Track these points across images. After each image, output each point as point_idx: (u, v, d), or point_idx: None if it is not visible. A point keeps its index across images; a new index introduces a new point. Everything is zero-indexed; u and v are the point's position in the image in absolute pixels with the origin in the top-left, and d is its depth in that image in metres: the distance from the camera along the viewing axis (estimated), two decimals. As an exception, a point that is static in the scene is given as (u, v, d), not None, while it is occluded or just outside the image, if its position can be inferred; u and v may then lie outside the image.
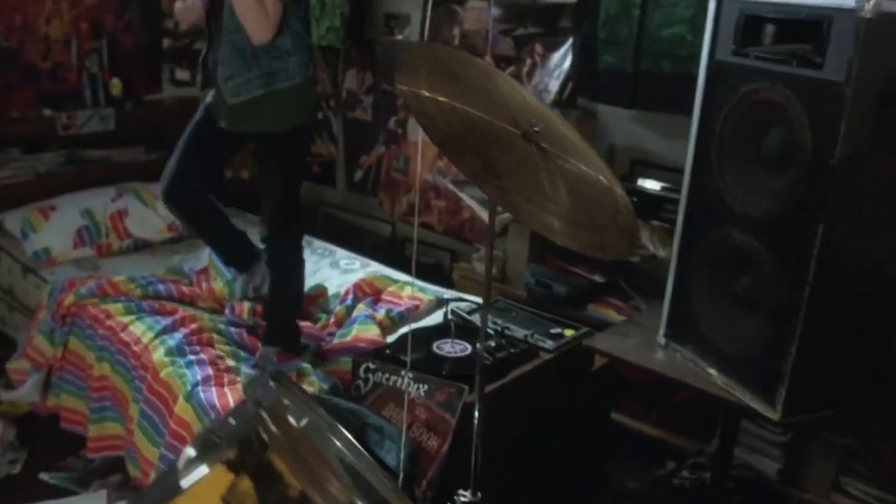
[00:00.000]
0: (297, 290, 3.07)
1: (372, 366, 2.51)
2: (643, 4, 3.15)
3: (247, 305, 3.19)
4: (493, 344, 2.63)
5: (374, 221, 4.38)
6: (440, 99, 1.64)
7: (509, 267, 3.55)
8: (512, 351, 2.64)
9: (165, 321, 3.03)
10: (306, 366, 2.80)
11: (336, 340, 3.03)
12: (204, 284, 3.41)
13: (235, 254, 3.24)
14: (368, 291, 3.43)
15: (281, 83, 2.72)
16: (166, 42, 4.41)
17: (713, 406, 2.67)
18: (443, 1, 3.80)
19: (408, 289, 3.38)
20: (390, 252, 4.30)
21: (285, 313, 3.00)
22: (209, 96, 2.91)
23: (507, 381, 2.54)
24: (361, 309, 3.21)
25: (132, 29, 4.20)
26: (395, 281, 3.47)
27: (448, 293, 3.43)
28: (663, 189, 3.27)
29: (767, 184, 2.27)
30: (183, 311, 3.13)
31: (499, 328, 2.80)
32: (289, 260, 2.98)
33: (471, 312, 3.00)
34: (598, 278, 3.30)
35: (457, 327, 2.73)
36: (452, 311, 2.99)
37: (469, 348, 2.62)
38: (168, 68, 4.42)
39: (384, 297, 3.40)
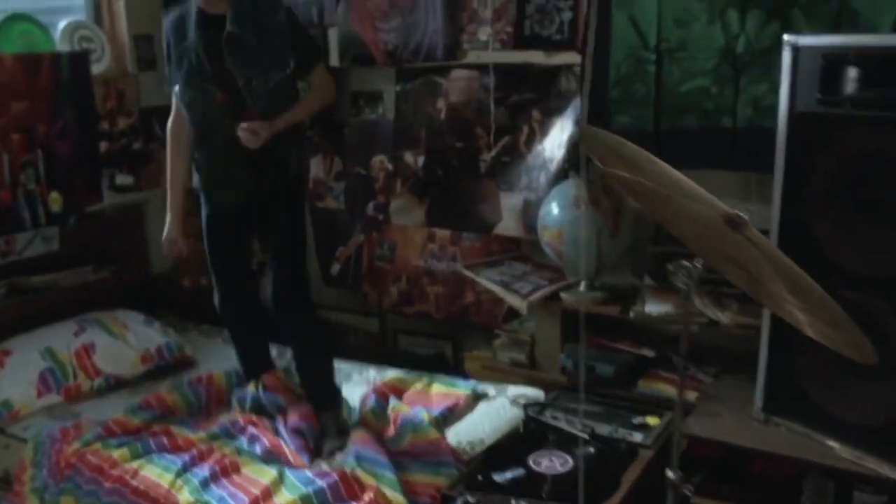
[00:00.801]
0: (330, 341, 3.13)
1: (472, 499, 2.16)
2: (658, 60, 3.00)
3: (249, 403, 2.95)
4: (592, 450, 2.34)
5: (357, 316, 4.02)
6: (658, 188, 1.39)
7: (539, 351, 3.27)
8: (612, 456, 2.35)
9: (183, 457, 2.62)
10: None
11: (392, 448, 2.66)
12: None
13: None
14: (390, 394, 3.07)
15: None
16: (103, 145, 3.95)
17: (794, 476, 2.47)
18: (421, 73, 3.55)
19: (436, 385, 3.04)
20: (380, 348, 3.94)
21: (329, 370, 2.97)
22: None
23: (625, 493, 2.24)
24: (401, 410, 2.84)
25: (67, 135, 3.73)
26: (418, 379, 3.11)
27: (479, 385, 3.12)
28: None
29: (885, 238, 2.11)
30: (197, 442, 2.72)
31: (588, 430, 2.50)
32: (313, 320, 2.97)
33: (541, 411, 2.69)
34: (646, 352, 3.07)
35: (538, 433, 2.43)
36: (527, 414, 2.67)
37: (569, 461, 2.31)
38: (107, 174, 3.96)
39: (410, 397, 3.06)
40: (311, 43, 2.90)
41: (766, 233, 2.94)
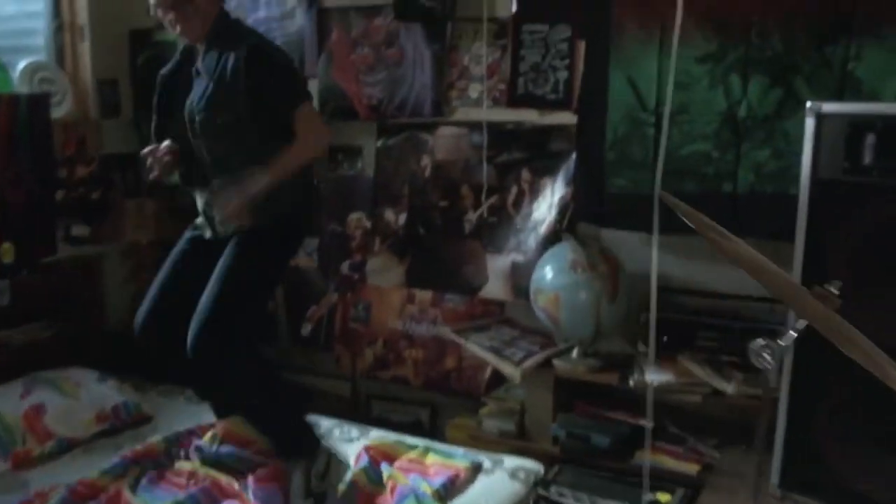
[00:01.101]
0: (281, 385, 2.81)
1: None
2: (657, 122, 2.95)
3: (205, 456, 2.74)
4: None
5: (328, 380, 3.81)
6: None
7: (530, 420, 3.12)
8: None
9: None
10: None
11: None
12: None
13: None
14: (381, 459, 2.87)
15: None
16: (59, 193, 3.72)
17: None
18: (405, 129, 3.44)
19: (432, 455, 2.86)
20: (352, 413, 3.73)
21: (285, 416, 2.75)
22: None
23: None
24: (398, 480, 2.64)
25: (22, 182, 3.48)
26: (412, 446, 2.92)
27: (477, 456, 2.94)
28: (693, 314, 3.01)
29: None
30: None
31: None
32: (235, 361, 2.60)
33: (546, 486, 2.54)
34: (645, 423, 2.94)
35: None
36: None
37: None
38: (63, 225, 3.71)
39: (404, 465, 2.85)
40: (290, 86, 2.54)
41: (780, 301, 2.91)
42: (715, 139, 2.88)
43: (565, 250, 3.00)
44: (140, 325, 2.72)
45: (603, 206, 3.08)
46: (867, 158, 2.14)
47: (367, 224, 3.61)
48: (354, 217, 3.65)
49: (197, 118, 2.52)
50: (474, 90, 3.26)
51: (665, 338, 3.01)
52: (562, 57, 3.09)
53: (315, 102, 3.51)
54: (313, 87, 3.55)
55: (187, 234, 2.78)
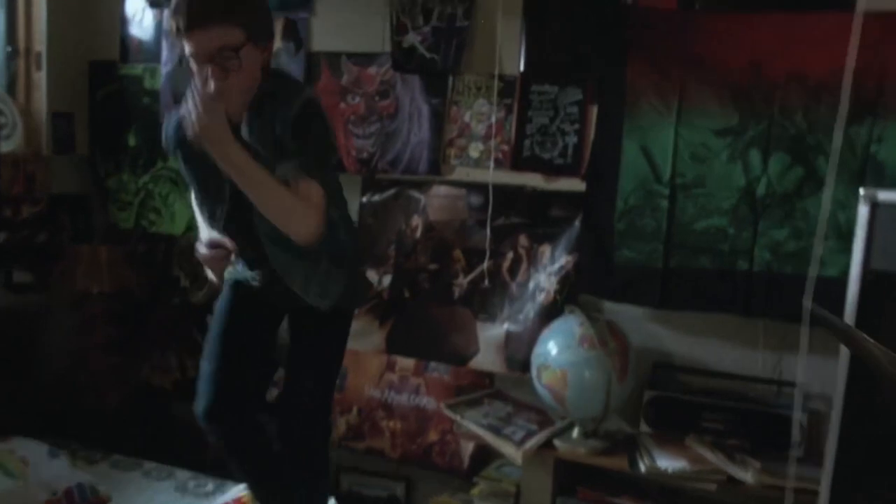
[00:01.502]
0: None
1: None
2: (672, 194, 2.83)
3: None
4: None
5: (292, 450, 3.52)
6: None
7: (526, 503, 2.92)
8: None
9: None
10: None
11: None
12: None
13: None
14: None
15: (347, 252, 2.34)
16: (1, 235, 3.36)
17: None
18: (392, 185, 3.24)
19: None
20: (318, 487, 3.45)
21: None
22: (245, 276, 2.37)
23: None
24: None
25: (-38, 223, 3.13)
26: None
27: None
28: (700, 395, 2.88)
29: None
30: None
31: None
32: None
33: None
34: (653, 511, 2.78)
35: None
36: None
37: None
38: (4, 270, 3.35)
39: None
40: (321, 149, 2.16)
41: (788, 383, 2.82)
42: (732, 215, 2.78)
43: (572, 324, 2.83)
44: (206, 411, 2.27)
45: (610, 278, 2.94)
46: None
47: (346, 284, 3.37)
48: (331, 275, 3.40)
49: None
50: (475, 149, 3.09)
51: (671, 417, 2.89)
52: (572, 121, 2.96)
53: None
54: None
55: (230, 292, 2.39)
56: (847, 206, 2.65)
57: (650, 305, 2.91)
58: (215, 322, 2.38)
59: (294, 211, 2.03)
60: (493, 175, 3.04)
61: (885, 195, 2.12)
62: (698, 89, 2.79)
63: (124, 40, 3.59)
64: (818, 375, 2.82)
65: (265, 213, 2.03)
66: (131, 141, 3.62)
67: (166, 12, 3.50)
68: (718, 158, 2.78)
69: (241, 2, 1.96)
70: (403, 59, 3.13)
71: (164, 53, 3.51)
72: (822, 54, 2.66)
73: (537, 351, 2.88)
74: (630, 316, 2.98)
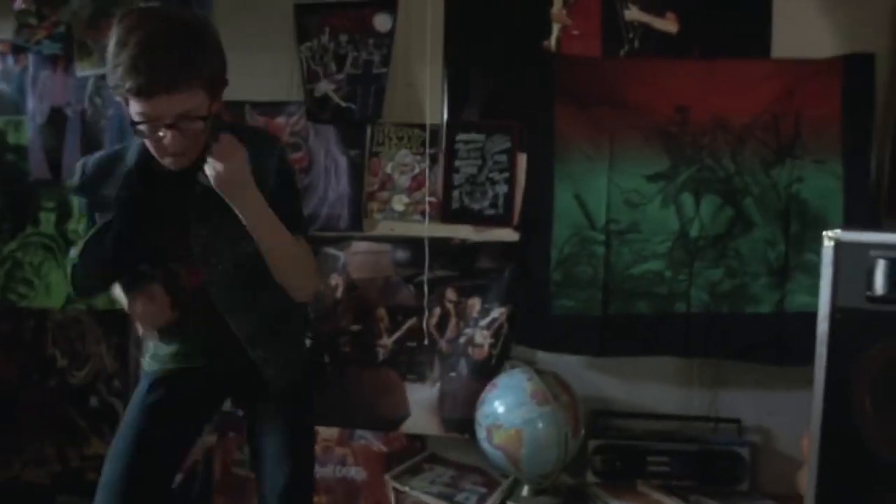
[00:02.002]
0: None
1: None
2: (607, 240, 2.82)
3: None
4: None
5: (200, 540, 3.17)
6: None
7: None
8: None
9: None
10: None
11: None
12: None
13: None
14: None
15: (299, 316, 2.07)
16: None
17: None
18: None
19: None
20: (231, 578, 3.12)
21: None
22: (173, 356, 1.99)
23: None
24: None
25: None
26: None
27: None
28: (643, 439, 2.86)
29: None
30: None
31: None
32: None
33: None
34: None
35: None
36: None
37: None
38: None
39: None
40: (300, 206, 2.03)
41: (726, 420, 2.85)
42: (668, 258, 2.80)
43: (520, 380, 2.73)
44: None
45: (548, 328, 2.87)
46: (888, 287, 2.13)
47: (257, 351, 3.10)
48: (239, 343, 3.12)
49: (213, 248, 1.84)
50: (399, 202, 2.94)
51: (618, 464, 2.85)
52: (501, 169, 2.88)
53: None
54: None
55: (150, 385, 1.99)
56: (775, 243, 2.75)
57: (590, 354, 2.87)
58: (130, 417, 1.96)
59: (306, 262, 1.89)
60: (425, 228, 2.90)
61: (848, 236, 2.18)
62: (628, 135, 2.81)
63: (-24, 90, 3.16)
64: (751, 409, 2.90)
65: (275, 264, 1.80)
66: (-9, 204, 3.18)
67: (32, 58, 3.12)
68: (652, 203, 2.80)
69: (207, 60, 1.68)
70: (317, 109, 2.94)
71: (31, 104, 3.11)
72: (743, 99, 2.75)
73: (484, 410, 2.75)
74: (564, 365, 2.93)
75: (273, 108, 2.99)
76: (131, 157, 1.82)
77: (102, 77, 3.05)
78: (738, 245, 2.77)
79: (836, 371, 2.21)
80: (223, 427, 3.12)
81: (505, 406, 2.70)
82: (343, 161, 2.95)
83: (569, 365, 2.92)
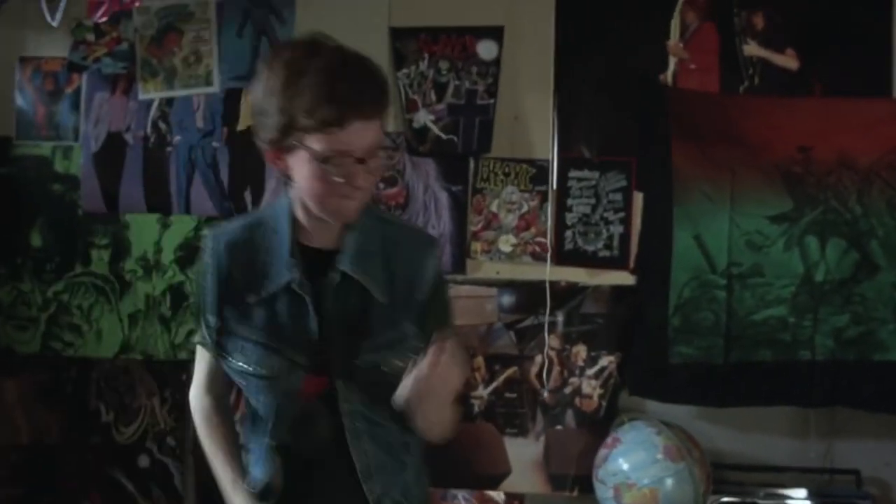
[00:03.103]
0: None
1: None
2: (728, 285, 2.68)
3: None
4: None
5: None
6: None
7: None
8: None
9: None
10: None
11: None
12: None
13: None
14: None
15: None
16: None
17: None
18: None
19: None
20: None
21: None
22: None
23: None
24: None
25: None
26: None
27: None
28: (759, 493, 2.71)
29: None
30: None
31: None
32: None
33: None
34: None
35: None
36: None
37: None
38: None
39: None
40: (450, 321, 1.64)
41: (842, 471, 2.73)
42: (791, 303, 2.67)
43: (648, 435, 2.55)
44: None
45: (665, 377, 2.70)
46: None
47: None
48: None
49: (359, 358, 1.49)
50: (506, 242, 2.73)
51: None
52: (616, 209, 2.71)
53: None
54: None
55: None
56: (902, 287, 2.67)
57: (712, 405, 2.71)
58: None
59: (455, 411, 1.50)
60: (539, 271, 2.70)
61: None
62: (749, 174, 2.69)
63: (21, 111, 2.80)
64: (868, 460, 2.79)
65: (434, 410, 1.41)
66: (35, 240, 2.80)
67: (87, 77, 2.80)
68: (775, 245, 2.68)
69: (388, 90, 1.43)
70: (415, 141, 2.72)
71: (85, 128, 2.78)
72: (867, 139, 2.67)
73: (608, 468, 2.55)
74: (671, 417, 2.76)
75: (365, 138, 2.74)
76: (281, 227, 1.48)
77: (168, 101, 2.80)
78: (863, 290, 2.67)
79: None
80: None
81: (633, 463, 2.52)
82: (444, 197, 2.73)
83: (676, 416, 2.75)
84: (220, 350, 1.53)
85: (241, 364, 1.51)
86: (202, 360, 1.63)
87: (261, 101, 1.38)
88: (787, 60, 2.72)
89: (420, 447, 1.61)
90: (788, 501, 2.71)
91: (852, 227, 2.67)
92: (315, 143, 1.33)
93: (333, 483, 1.53)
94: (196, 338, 1.61)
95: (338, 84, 1.32)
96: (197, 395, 1.65)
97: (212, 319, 1.52)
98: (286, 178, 1.43)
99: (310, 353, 1.47)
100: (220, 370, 1.58)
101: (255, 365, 1.49)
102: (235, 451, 1.63)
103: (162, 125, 2.78)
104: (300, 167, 1.37)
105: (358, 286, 1.46)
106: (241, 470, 1.59)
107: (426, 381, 1.33)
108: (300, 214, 1.46)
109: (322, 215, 1.42)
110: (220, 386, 1.64)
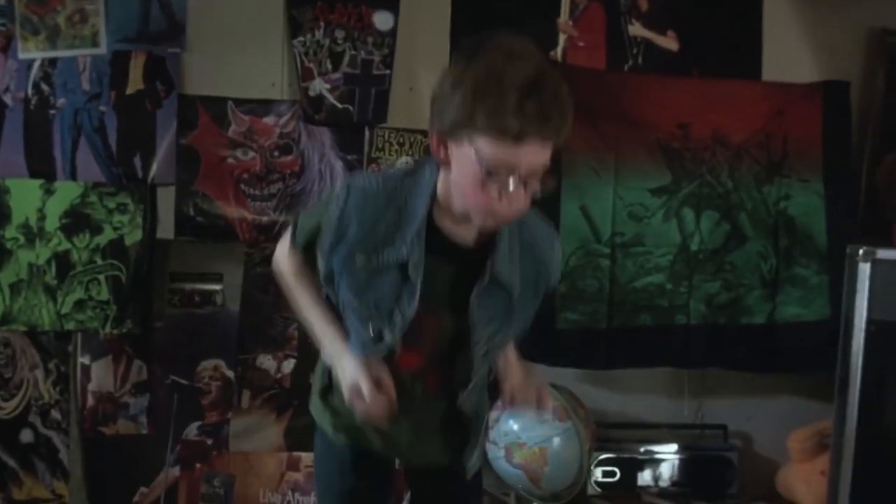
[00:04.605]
0: None
1: None
2: (612, 254, 2.82)
3: None
4: None
5: (160, 587, 2.82)
6: None
7: None
8: None
9: None
10: None
11: None
12: None
13: None
14: None
15: None
16: None
17: None
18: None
19: None
20: None
21: None
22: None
23: None
24: None
25: None
26: None
27: None
28: (637, 449, 2.90)
29: None
30: None
31: None
32: None
33: None
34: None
35: None
36: None
37: None
38: None
39: None
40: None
41: (713, 426, 2.95)
42: (670, 271, 2.85)
43: (538, 395, 2.67)
44: None
45: (553, 342, 2.82)
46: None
47: (229, 374, 2.81)
48: (208, 366, 2.81)
49: (480, 328, 1.49)
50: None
51: (617, 475, 2.87)
52: (508, 180, 2.80)
53: (171, 219, 2.74)
54: (168, 196, 2.72)
55: (344, 449, 1.65)
56: (767, 257, 2.88)
57: (597, 367, 2.87)
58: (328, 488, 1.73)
59: None
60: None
61: (883, 253, 2.32)
62: (632, 149, 2.84)
63: None
64: (735, 416, 3.03)
65: None
66: None
67: None
68: (655, 217, 2.84)
69: (570, 115, 1.36)
70: (311, 109, 2.72)
71: None
72: (739, 118, 2.86)
73: (500, 429, 2.66)
74: (557, 379, 2.89)
75: (260, 106, 2.72)
76: (419, 207, 1.44)
77: (52, 62, 2.68)
78: (733, 259, 2.87)
79: (868, 382, 2.35)
80: (189, 459, 2.80)
81: (523, 424, 2.63)
82: (339, 166, 2.75)
83: (563, 378, 2.89)
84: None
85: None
86: (293, 245, 1.61)
87: (448, 88, 1.32)
88: (668, 42, 2.87)
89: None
90: (661, 456, 2.91)
91: (724, 200, 2.87)
92: (486, 146, 1.29)
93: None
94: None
95: (529, 99, 1.28)
96: (283, 253, 1.62)
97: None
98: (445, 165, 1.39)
99: (396, 332, 1.47)
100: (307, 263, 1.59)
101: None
102: (327, 309, 1.59)
103: (45, 87, 2.66)
104: (463, 163, 1.33)
105: (497, 285, 1.45)
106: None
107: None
108: (443, 200, 1.42)
109: (465, 212, 1.39)
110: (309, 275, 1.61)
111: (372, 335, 1.48)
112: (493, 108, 1.26)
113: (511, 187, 1.32)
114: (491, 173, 1.30)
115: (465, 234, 1.44)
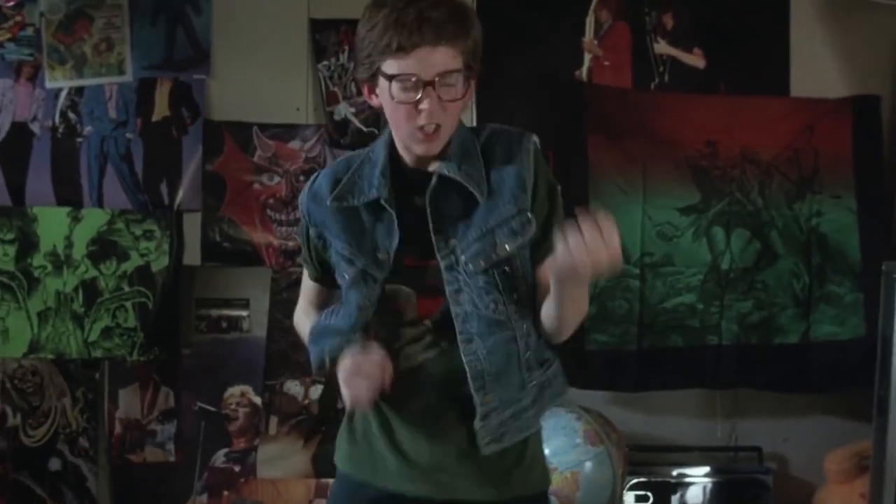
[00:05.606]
0: None
1: None
2: (641, 274, 2.79)
3: None
4: None
5: None
6: None
7: None
8: None
9: None
10: None
11: None
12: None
13: None
14: None
15: (553, 396, 1.57)
16: None
17: None
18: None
19: None
20: None
21: None
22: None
23: None
24: None
25: None
26: None
27: None
28: (670, 472, 2.85)
29: None
30: None
31: None
32: None
33: None
34: None
35: None
36: None
37: None
38: None
39: None
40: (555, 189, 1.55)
41: (746, 449, 2.89)
42: (700, 291, 2.80)
43: (568, 420, 2.62)
44: None
45: (582, 364, 2.78)
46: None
47: (256, 400, 2.80)
48: (235, 392, 2.80)
49: (464, 259, 1.44)
50: (428, 234, 2.75)
51: (650, 499, 2.82)
52: (534, 200, 2.78)
53: (198, 245, 2.74)
54: (194, 222, 2.72)
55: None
56: (799, 275, 2.84)
57: (627, 389, 2.82)
58: None
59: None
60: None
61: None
62: (660, 168, 2.81)
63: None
64: (769, 437, 2.97)
65: (569, 312, 1.50)
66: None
67: None
68: (684, 236, 2.80)
69: (471, 25, 1.46)
70: (336, 133, 2.71)
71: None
72: (768, 135, 2.83)
73: (531, 453, 2.62)
74: (587, 402, 2.85)
75: (286, 130, 2.73)
76: (377, 154, 1.49)
77: (78, 90, 2.70)
78: (764, 277, 2.82)
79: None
80: (216, 486, 2.78)
81: (554, 448, 2.58)
82: (365, 190, 2.74)
83: (593, 401, 2.85)
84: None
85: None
86: (306, 283, 1.65)
87: (357, 41, 1.45)
88: (695, 59, 2.85)
89: (548, 377, 1.57)
90: (695, 479, 2.86)
91: (755, 218, 2.83)
92: (388, 69, 1.39)
93: (441, 389, 1.48)
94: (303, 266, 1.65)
95: (406, 11, 1.39)
96: (301, 308, 1.67)
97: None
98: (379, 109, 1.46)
99: (383, 268, 1.45)
100: (322, 291, 1.62)
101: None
102: None
103: (71, 115, 2.68)
104: (384, 98, 1.41)
105: (457, 189, 1.44)
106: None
107: (575, 259, 1.29)
108: (398, 145, 1.46)
109: (407, 144, 1.44)
110: (323, 302, 1.64)
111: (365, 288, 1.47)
112: (381, 32, 1.39)
113: (419, 96, 1.39)
114: (395, 84, 1.39)
115: (426, 169, 1.47)
